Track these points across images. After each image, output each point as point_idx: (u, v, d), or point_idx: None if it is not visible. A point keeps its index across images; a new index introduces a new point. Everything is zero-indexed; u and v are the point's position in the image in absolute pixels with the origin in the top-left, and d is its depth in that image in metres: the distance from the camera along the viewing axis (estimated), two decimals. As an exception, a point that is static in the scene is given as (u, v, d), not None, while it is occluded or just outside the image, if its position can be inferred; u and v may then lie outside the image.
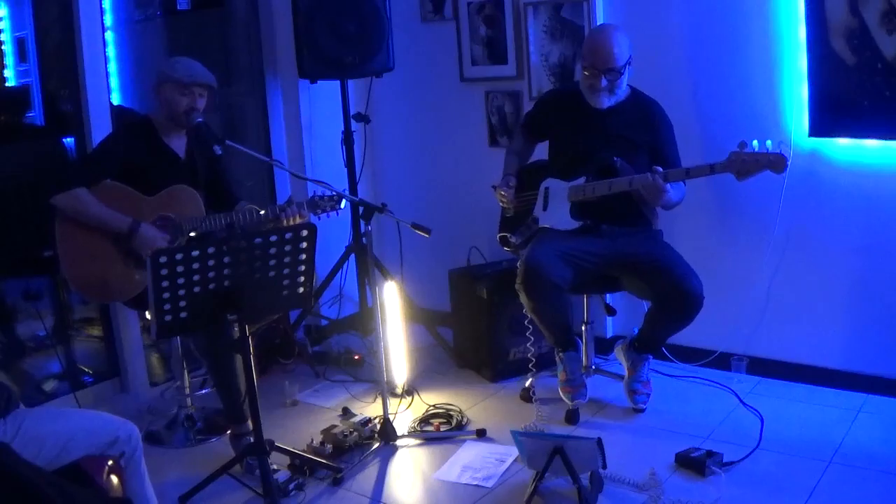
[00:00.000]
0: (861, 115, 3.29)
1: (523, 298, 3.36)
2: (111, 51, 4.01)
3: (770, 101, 3.52)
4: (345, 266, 4.26)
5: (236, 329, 2.79)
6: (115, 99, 4.07)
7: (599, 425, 3.38)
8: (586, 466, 2.78)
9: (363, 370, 4.10)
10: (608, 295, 3.82)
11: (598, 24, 3.78)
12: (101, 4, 3.75)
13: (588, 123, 3.43)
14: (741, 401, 3.50)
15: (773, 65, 3.48)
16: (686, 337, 3.63)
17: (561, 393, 3.50)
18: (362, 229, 3.91)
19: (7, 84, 3.94)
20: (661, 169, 3.19)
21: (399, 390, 3.73)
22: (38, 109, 3.92)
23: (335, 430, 3.28)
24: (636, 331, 3.64)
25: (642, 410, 3.47)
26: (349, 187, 4.20)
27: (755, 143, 2.99)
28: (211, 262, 2.57)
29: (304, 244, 2.75)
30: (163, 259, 2.50)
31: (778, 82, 3.49)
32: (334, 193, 3.36)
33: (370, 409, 3.64)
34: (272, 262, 2.70)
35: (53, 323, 3.98)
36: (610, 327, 4.13)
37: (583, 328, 3.71)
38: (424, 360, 4.16)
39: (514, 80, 4.19)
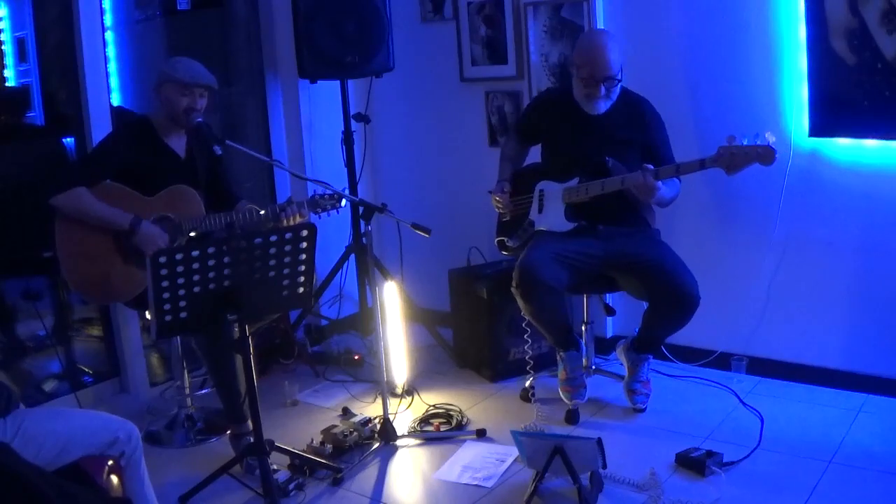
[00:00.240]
0: (861, 115, 3.28)
1: (520, 302, 3.36)
2: (111, 51, 4.01)
3: (770, 101, 3.51)
4: (345, 266, 4.26)
5: (236, 329, 2.79)
6: (115, 99, 4.07)
7: (599, 425, 3.38)
8: (586, 466, 2.78)
9: (363, 370, 4.10)
10: (608, 295, 3.83)
11: (588, 29, 3.78)
12: (101, 4, 3.74)
13: (580, 125, 3.43)
14: (741, 401, 3.50)
15: (773, 65, 3.48)
16: (686, 337, 3.63)
17: (560, 392, 3.50)
18: (362, 229, 3.91)
19: (7, 84, 3.94)
20: (651, 166, 3.19)
21: (399, 390, 3.73)
22: (38, 109, 3.91)
23: (335, 430, 3.28)
24: (637, 331, 3.64)
25: (642, 410, 3.47)
26: (349, 187, 4.20)
27: (745, 141, 3.00)
28: (211, 262, 2.57)
29: (304, 244, 2.74)
30: (163, 259, 2.50)
31: (778, 82, 3.49)
32: (334, 193, 3.36)
33: (370, 409, 3.64)
34: (272, 262, 2.70)
35: (53, 323, 3.98)
36: (610, 327, 4.13)
37: (583, 328, 3.71)
38: (424, 360, 4.16)
39: (514, 80, 4.18)
